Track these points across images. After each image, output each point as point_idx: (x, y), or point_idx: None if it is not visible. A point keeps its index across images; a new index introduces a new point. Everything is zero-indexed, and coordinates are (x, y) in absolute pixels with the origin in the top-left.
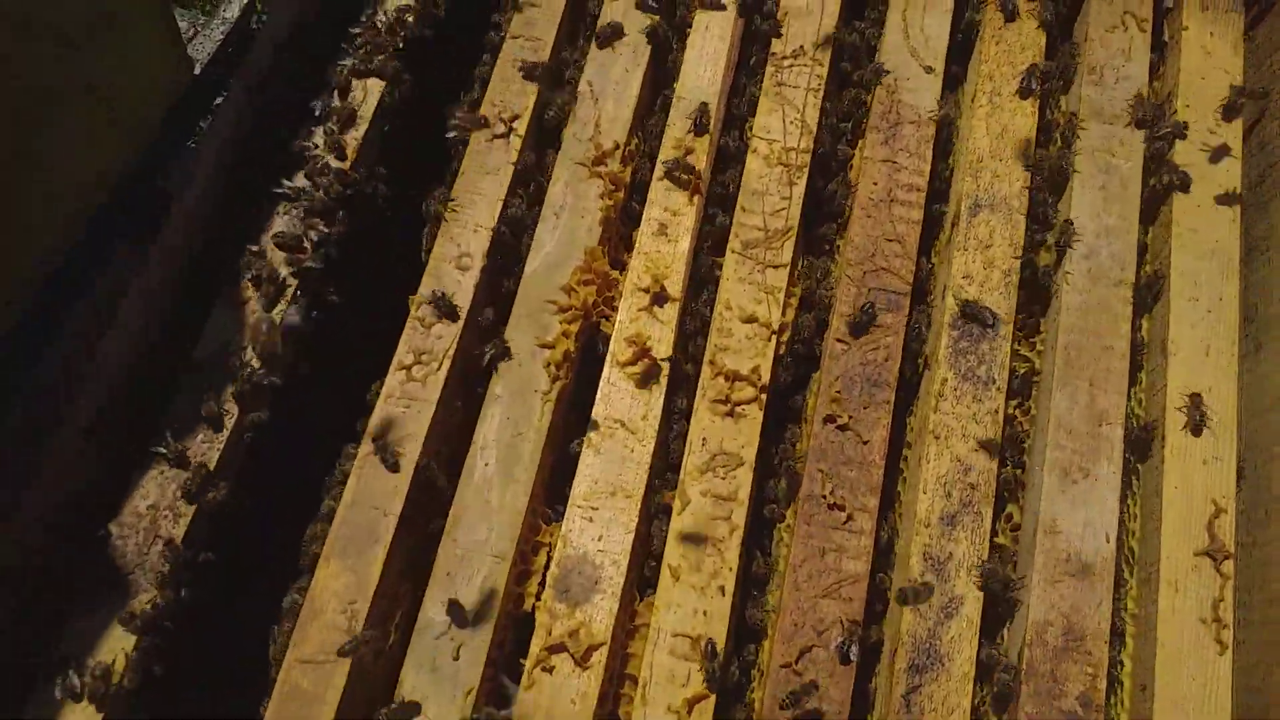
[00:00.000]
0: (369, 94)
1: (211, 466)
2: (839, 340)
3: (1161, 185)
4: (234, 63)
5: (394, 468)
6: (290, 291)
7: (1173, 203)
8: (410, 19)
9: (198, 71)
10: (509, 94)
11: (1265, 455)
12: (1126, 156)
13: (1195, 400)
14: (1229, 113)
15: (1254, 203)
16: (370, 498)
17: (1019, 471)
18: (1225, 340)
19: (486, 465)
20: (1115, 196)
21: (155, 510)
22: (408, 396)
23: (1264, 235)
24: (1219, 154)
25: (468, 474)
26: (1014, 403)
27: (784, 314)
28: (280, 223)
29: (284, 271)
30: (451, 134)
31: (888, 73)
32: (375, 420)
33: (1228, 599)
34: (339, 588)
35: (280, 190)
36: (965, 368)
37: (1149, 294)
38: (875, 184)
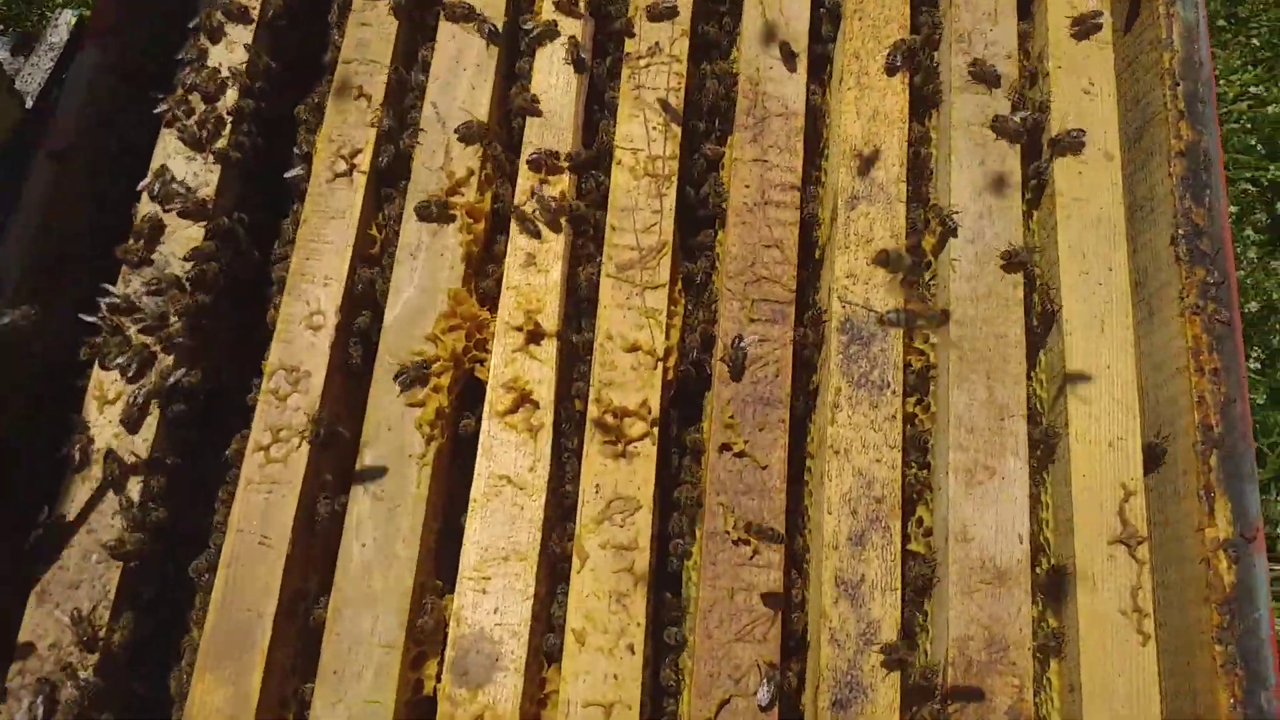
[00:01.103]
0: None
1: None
2: (725, 361)
3: (1046, 159)
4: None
5: (266, 560)
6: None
7: (1053, 171)
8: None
9: (30, 105)
10: (346, 127)
11: (1171, 428)
12: (1003, 126)
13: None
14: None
15: (1133, 161)
16: (241, 598)
17: (925, 473)
18: (1119, 312)
19: (363, 546)
20: (995, 172)
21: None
22: (269, 480)
23: (1146, 195)
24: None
25: (344, 559)
26: (913, 399)
27: (668, 336)
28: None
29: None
30: (290, 174)
31: (749, 63)
32: (237, 511)
33: (1146, 586)
34: (218, 703)
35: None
36: (858, 374)
37: (1039, 275)
38: (747, 186)
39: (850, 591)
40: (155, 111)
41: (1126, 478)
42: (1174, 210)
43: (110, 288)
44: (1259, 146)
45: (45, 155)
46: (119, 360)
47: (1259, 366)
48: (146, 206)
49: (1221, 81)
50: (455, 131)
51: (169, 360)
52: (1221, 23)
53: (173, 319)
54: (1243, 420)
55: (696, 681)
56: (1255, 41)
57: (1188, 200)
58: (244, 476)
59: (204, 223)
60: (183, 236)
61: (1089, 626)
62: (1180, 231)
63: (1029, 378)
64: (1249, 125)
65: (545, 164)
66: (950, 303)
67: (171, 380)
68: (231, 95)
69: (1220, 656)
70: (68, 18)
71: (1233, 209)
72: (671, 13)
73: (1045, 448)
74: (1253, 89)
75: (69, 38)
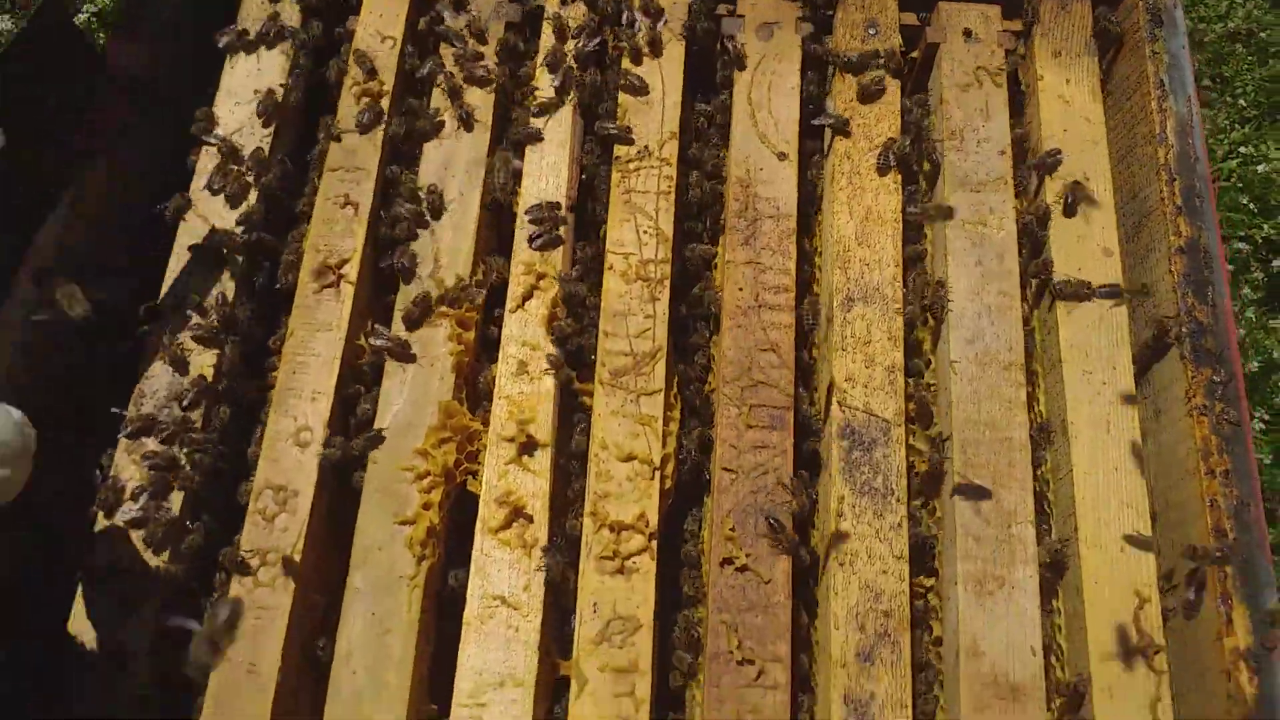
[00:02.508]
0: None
1: None
2: (726, 469)
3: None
4: None
5: (254, 689)
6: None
7: (1053, 270)
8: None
9: None
10: (333, 235)
11: (1182, 534)
12: (999, 225)
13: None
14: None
15: (1133, 254)
16: None
17: (933, 580)
18: (1125, 413)
19: (354, 674)
20: (993, 272)
21: None
22: (257, 605)
23: (1149, 289)
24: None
25: (334, 689)
26: (918, 503)
27: (664, 445)
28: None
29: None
30: (279, 285)
31: (739, 164)
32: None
33: (1165, 698)
34: None
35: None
36: (861, 481)
37: (1041, 372)
38: (740, 289)
39: (860, 710)
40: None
41: (1140, 584)
42: (1177, 308)
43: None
44: (1250, 204)
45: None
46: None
47: (1263, 426)
48: None
49: (1211, 140)
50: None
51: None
52: (1207, 83)
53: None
54: (1258, 525)
55: None
56: (1242, 101)
57: (1190, 298)
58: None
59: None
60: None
61: None
62: (1184, 330)
63: (1034, 479)
64: (1240, 184)
65: (537, 270)
66: (951, 405)
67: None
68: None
69: None
70: None
71: (1229, 268)
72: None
73: (1055, 566)
74: (1241, 149)
75: None
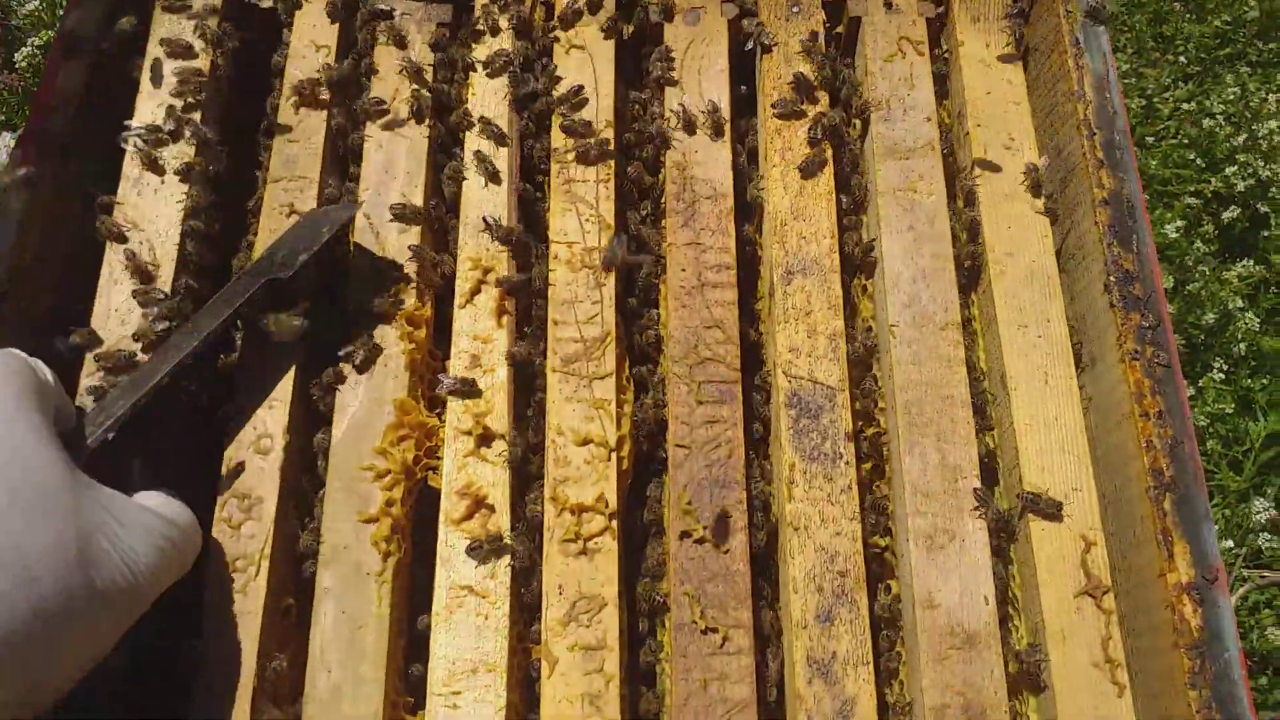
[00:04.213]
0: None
1: None
2: (679, 445)
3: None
4: None
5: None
6: None
7: (983, 229)
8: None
9: None
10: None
11: (1122, 476)
12: (929, 190)
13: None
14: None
15: (1061, 211)
16: None
17: (888, 539)
18: (1061, 363)
19: (330, 672)
20: (925, 235)
21: None
22: (232, 608)
23: (1076, 245)
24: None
25: (310, 688)
26: (868, 466)
27: (619, 426)
28: None
29: None
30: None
31: (672, 146)
32: (207, 634)
33: (1115, 636)
34: None
35: None
36: (810, 447)
37: (979, 330)
38: (684, 270)
39: (823, 670)
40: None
41: (1085, 528)
42: (1104, 258)
43: None
44: (1198, 160)
45: None
46: None
47: (1223, 376)
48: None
49: (1156, 99)
50: (390, 211)
51: None
52: (1151, 43)
53: None
54: (1192, 460)
55: None
56: (1183, 59)
57: (1116, 247)
58: (205, 610)
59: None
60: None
61: (1063, 680)
62: (1112, 279)
63: (979, 436)
64: (1185, 140)
65: (484, 265)
66: (892, 367)
67: None
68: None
69: (1195, 702)
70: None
71: (1180, 223)
72: (584, 103)
73: (1006, 530)
74: (1185, 105)
75: None
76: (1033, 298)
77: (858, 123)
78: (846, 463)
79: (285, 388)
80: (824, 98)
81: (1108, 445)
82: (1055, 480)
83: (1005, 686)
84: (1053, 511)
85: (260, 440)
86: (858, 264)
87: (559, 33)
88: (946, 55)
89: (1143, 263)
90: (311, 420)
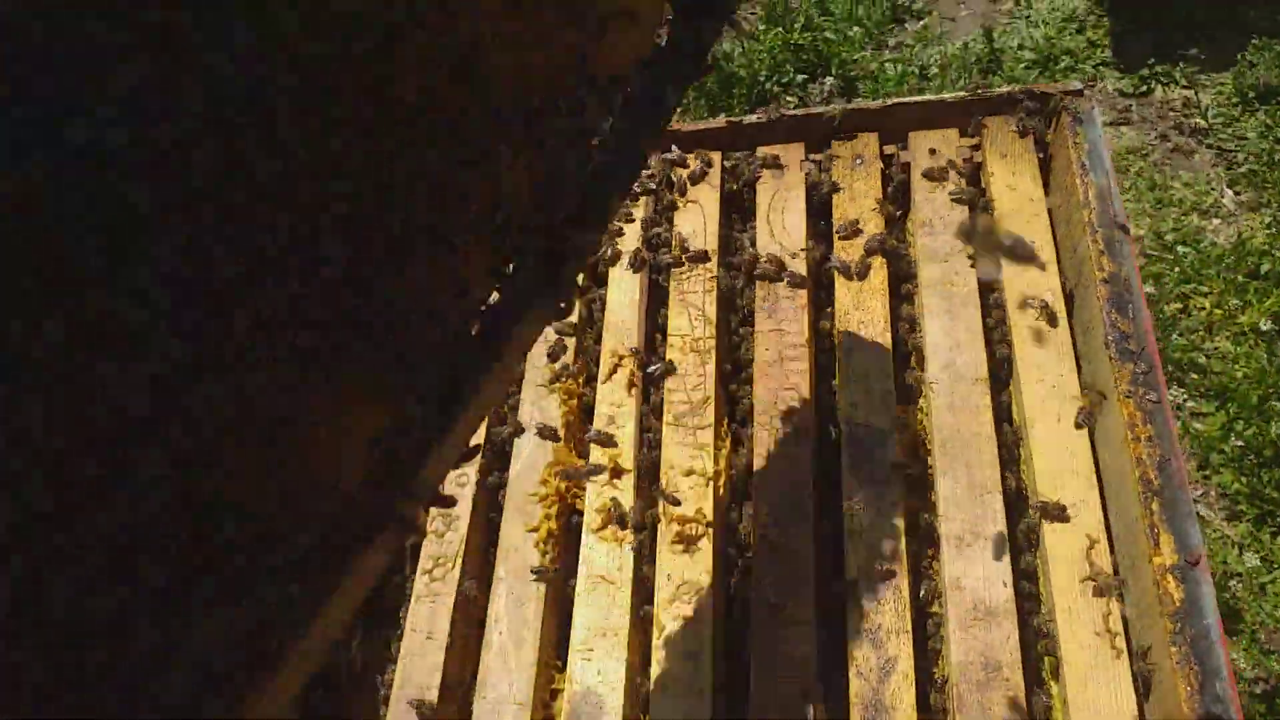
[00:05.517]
0: None
1: None
2: (761, 475)
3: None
4: None
5: (433, 649)
6: None
7: (1008, 310)
8: None
9: None
10: None
11: (1122, 487)
12: (963, 283)
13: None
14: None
15: (1078, 295)
16: (414, 679)
17: (932, 551)
18: (1071, 409)
19: (500, 634)
20: (960, 316)
21: None
22: (431, 594)
23: (1088, 319)
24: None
25: (487, 643)
26: (914, 496)
27: (717, 463)
28: None
29: None
30: None
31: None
32: (410, 618)
33: (1114, 611)
34: None
35: None
36: (865, 474)
37: (1004, 382)
38: (767, 350)
39: (872, 637)
40: None
41: (1089, 529)
42: (1104, 324)
43: None
44: None
45: None
46: None
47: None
48: None
49: None
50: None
51: None
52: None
53: None
54: (1178, 473)
55: (753, 708)
56: None
57: (1114, 314)
58: (415, 592)
59: None
60: None
61: (1070, 647)
62: (1109, 338)
63: (1006, 467)
64: None
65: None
66: (932, 414)
67: None
68: None
69: (1176, 656)
70: None
71: None
72: (704, 257)
73: (1029, 536)
74: None
75: None
76: (1050, 361)
77: (911, 237)
78: (893, 485)
79: (477, 437)
80: (879, 222)
81: (1111, 465)
82: (1066, 494)
83: (1018, 649)
84: (1062, 516)
85: (459, 477)
86: (906, 340)
87: (676, 197)
88: (981, 184)
89: (1137, 325)
90: (493, 462)
